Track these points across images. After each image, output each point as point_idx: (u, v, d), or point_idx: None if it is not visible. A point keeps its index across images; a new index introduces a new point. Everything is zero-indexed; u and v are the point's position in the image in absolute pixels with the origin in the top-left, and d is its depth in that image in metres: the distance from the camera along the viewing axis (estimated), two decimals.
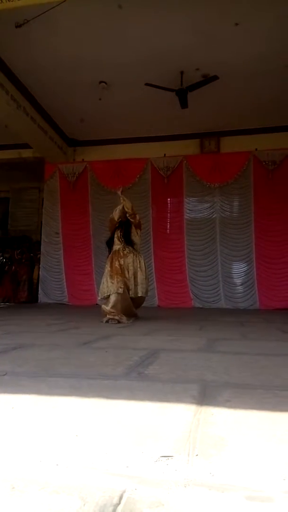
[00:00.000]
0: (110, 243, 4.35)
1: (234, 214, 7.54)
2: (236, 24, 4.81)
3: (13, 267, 8.30)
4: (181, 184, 7.58)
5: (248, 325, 3.80)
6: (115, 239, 4.29)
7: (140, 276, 4.08)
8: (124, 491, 0.53)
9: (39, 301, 7.78)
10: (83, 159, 8.07)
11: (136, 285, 4.06)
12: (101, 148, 7.97)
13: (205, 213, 7.62)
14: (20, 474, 0.59)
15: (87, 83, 6.13)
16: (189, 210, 7.64)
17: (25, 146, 7.56)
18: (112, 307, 3.84)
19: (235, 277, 7.38)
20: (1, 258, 8.62)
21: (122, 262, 4.07)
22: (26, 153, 7.96)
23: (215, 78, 5.57)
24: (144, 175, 7.65)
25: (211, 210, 7.57)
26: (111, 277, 3.99)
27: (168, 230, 7.76)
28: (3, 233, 10.07)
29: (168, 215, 7.80)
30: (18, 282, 8.01)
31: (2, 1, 3.83)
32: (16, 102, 6.00)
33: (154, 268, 7.51)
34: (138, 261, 4.15)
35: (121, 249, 4.19)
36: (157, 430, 0.83)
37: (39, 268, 8.04)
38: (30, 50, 5.40)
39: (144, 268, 4.17)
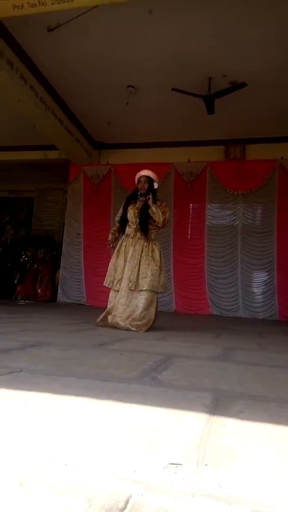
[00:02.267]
0: (123, 223, 3.68)
1: (257, 223, 7.45)
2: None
3: (35, 266, 8.44)
4: (204, 190, 7.55)
5: (266, 336, 3.74)
6: (131, 220, 3.61)
7: (152, 267, 3.45)
8: (130, 496, 0.53)
9: (58, 300, 7.87)
10: (107, 162, 8.14)
11: (139, 277, 3.41)
12: (125, 151, 8.02)
13: (227, 220, 7.56)
14: (29, 471, 0.59)
15: (115, 87, 6.19)
16: (211, 216, 7.59)
17: (52, 147, 7.70)
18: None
19: (255, 286, 7.28)
20: (23, 256, 8.78)
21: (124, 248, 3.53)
22: (52, 155, 8.10)
23: (243, 85, 5.54)
24: (167, 180, 7.66)
25: (233, 217, 7.51)
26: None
27: (189, 236, 7.74)
28: (27, 232, 10.26)
29: (190, 220, 7.77)
30: (39, 281, 8.13)
31: (35, 5, 3.92)
32: (45, 104, 6.12)
33: (172, 273, 7.49)
34: (151, 249, 3.53)
35: (132, 233, 3.59)
36: (167, 437, 0.82)
37: None
38: (61, 53, 5.51)
39: (158, 258, 3.56)
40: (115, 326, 3.30)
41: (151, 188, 3.64)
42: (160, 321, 4.44)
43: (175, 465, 0.67)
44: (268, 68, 5.48)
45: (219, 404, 1.13)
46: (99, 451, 0.71)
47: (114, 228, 3.76)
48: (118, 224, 3.70)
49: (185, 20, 4.75)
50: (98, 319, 3.42)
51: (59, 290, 7.99)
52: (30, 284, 8.14)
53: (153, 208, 3.54)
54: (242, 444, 0.81)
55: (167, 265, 7.52)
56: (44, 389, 1.16)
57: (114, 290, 3.48)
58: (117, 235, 3.69)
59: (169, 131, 7.41)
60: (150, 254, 3.51)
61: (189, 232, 7.75)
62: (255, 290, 7.26)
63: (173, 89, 5.76)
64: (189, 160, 7.63)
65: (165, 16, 4.70)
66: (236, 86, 5.61)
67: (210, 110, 5.96)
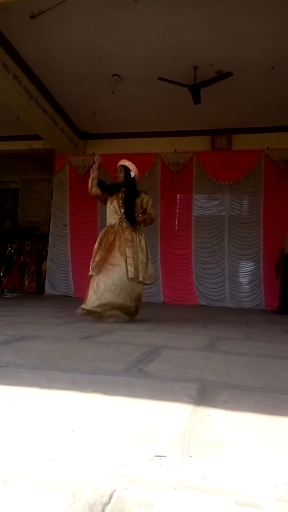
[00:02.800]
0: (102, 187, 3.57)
1: (244, 213, 7.50)
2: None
3: (22, 258, 8.37)
4: (191, 181, 7.55)
5: (253, 325, 3.79)
6: (110, 211, 3.54)
7: (140, 258, 3.41)
8: (114, 490, 0.54)
9: (45, 292, 7.83)
10: (93, 152, 8.04)
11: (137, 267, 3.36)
12: (112, 141, 7.95)
13: (214, 211, 7.59)
14: (14, 468, 0.59)
15: (100, 76, 6.11)
16: (197, 207, 7.61)
17: (36, 137, 7.58)
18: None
19: (241, 276, 7.35)
20: (9, 249, 8.69)
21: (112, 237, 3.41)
22: (37, 145, 7.98)
23: (229, 74, 5.52)
24: (154, 170, 7.64)
25: (220, 208, 7.54)
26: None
27: (176, 227, 7.75)
28: (12, 224, 10.14)
29: (177, 211, 7.78)
30: (26, 273, 8.08)
31: None
32: (28, 93, 6.01)
33: (160, 264, 7.52)
34: (138, 239, 3.46)
35: (117, 223, 3.48)
36: (153, 429, 0.83)
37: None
38: (44, 41, 5.39)
39: (145, 248, 3.51)
40: (100, 315, 3.21)
41: (127, 177, 3.55)
42: (148, 312, 4.46)
43: (160, 457, 0.68)
44: (255, 57, 5.46)
45: (205, 394, 1.14)
46: (85, 445, 0.72)
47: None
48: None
49: (171, 8, 4.69)
50: (82, 308, 3.26)
51: (46, 282, 7.94)
52: (17, 276, 8.08)
53: (142, 223, 3.56)
54: (227, 434, 0.82)
55: (154, 257, 7.53)
56: (30, 383, 1.15)
57: (98, 275, 3.30)
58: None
59: (155, 121, 7.37)
60: (138, 244, 3.43)
61: (176, 223, 7.76)
62: (241, 280, 7.34)
63: (159, 78, 5.71)
64: (175, 150, 7.61)
65: (150, 4, 4.63)
66: (222, 75, 5.59)
67: (196, 99, 5.93)
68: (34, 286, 7.97)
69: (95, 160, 3.61)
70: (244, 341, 2.53)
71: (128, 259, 3.31)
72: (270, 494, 0.57)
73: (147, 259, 3.50)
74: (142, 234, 3.57)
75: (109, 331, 2.55)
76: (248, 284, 7.30)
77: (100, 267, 3.31)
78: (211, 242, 7.45)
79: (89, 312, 3.22)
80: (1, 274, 8.35)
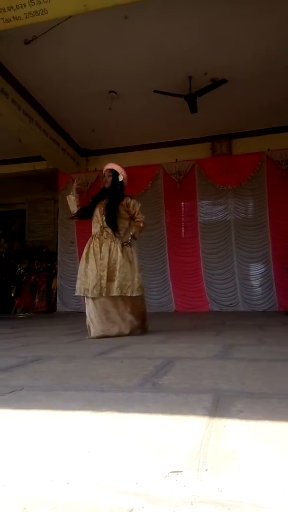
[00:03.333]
0: (85, 214, 3.51)
1: (249, 216, 7.49)
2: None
3: (32, 278, 8.44)
4: (194, 188, 7.58)
5: (266, 328, 3.77)
6: (93, 220, 3.40)
7: (124, 269, 3.18)
8: (131, 510, 0.54)
9: (57, 310, 7.87)
10: (95, 168, 8.15)
11: (113, 280, 3.14)
12: (113, 156, 8.02)
13: (220, 216, 7.59)
14: (32, 494, 0.60)
15: (97, 94, 6.22)
16: (203, 213, 7.63)
17: (39, 158, 7.71)
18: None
19: (252, 279, 7.31)
20: (19, 269, 8.77)
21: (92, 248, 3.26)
22: (40, 165, 8.12)
23: (223, 81, 5.57)
24: (156, 181, 7.69)
25: (225, 213, 7.54)
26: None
27: (183, 235, 7.76)
28: (21, 245, 10.26)
29: (183, 219, 7.81)
30: (36, 292, 8.14)
31: (10, 20, 3.93)
32: (28, 117, 6.13)
33: (169, 273, 7.52)
34: (120, 248, 3.22)
35: (98, 232, 3.32)
36: (168, 444, 0.84)
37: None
38: (40, 65, 5.52)
39: (131, 257, 3.27)
40: (107, 335, 3.10)
41: (115, 181, 3.41)
42: (160, 322, 4.45)
43: (176, 473, 0.68)
44: (248, 62, 5.51)
45: (219, 405, 1.14)
46: (101, 466, 0.72)
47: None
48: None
49: (161, 22, 4.78)
50: (90, 334, 3.18)
51: (58, 300, 7.99)
52: (28, 296, 8.14)
53: (132, 237, 3.36)
54: (242, 445, 0.82)
55: (163, 266, 7.55)
56: (45, 406, 1.17)
57: (90, 298, 3.16)
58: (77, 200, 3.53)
59: (154, 133, 7.44)
60: (119, 255, 3.19)
61: (183, 231, 7.78)
62: (253, 283, 7.30)
63: (155, 91, 5.79)
64: (176, 159, 7.67)
65: (140, 20, 4.72)
66: (217, 83, 5.65)
67: (193, 109, 5.99)
68: (44, 305, 8.02)
69: (72, 189, 3.62)
70: (258, 346, 2.52)
71: (116, 275, 3.14)
72: (286, 504, 0.57)
73: (133, 269, 3.22)
74: (133, 247, 3.37)
75: (122, 346, 2.56)
76: (259, 286, 7.26)
77: (87, 286, 3.17)
78: (219, 248, 7.44)
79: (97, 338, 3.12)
80: (13, 295, 8.42)
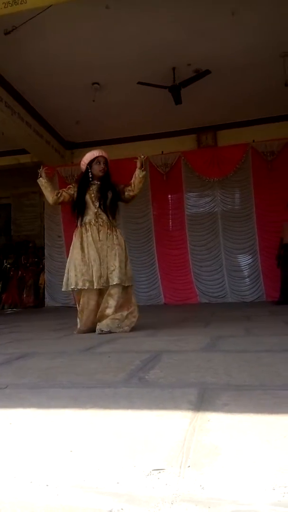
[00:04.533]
0: (81, 209, 3.23)
1: (236, 207, 7.51)
2: (233, 13, 4.72)
3: (19, 273, 8.36)
4: (180, 180, 7.57)
5: (254, 319, 3.80)
6: (89, 205, 3.20)
7: (119, 257, 3.07)
8: None
9: (46, 305, 7.82)
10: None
11: (108, 270, 3.03)
12: (98, 149, 7.96)
13: (206, 208, 7.60)
14: (9, 497, 0.59)
15: (80, 85, 6.14)
16: (190, 205, 7.63)
17: (23, 151, 7.60)
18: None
19: (240, 270, 7.37)
20: (5, 264, 8.67)
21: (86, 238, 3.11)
22: (24, 159, 8.00)
23: (207, 72, 5.55)
24: None
25: (212, 204, 7.55)
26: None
27: (170, 227, 7.76)
28: (7, 240, 10.13)
29: (170, 211, 7.79)
30: (24, 288, 8.07)
31: None
32: (10, 109, 6.03)
33: (158, 266, 7.53)
34: (115, 236, 3.14)
35: (93, 220, 3.16)
36: (152, 441, 0.83)
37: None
38: (21, 56, 5.41)
39: (124, 246, 3.17)
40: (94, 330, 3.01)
41: (108, 170, 3.31)
42: (149, 315, 4.45)
43: (158, 471, 0.67)
44: (231, 53, 5.50)
45: (205, 398, 1.14)
46: (83, 465, 0.71)
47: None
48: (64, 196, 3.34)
49: (144, 12, 4.72)
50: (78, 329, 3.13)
51: (46, 295, 7.93)
52: (16, 292, 8.06)
53: (140, 174, 3.28)
54: (226, 439, 0.82)
55: (151, 259, 7.54)
56: (29, 404, 1.15)
57: (87, 290, 3.05)
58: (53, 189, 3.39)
59: (140, 125, 7.40)
60: (116, 242, 3.10)
61: (170, 223, 7.77)
62: (240, 274, 7.35)
63: (139, 83, 5.74)
64: (162, 152, 7.63)
65: (122, 10, 4.66)
66: (200, 74, 5.62)
67: (177, 100, 5.96)
68: (32, 300, 7.96)
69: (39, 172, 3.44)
70: (245, 337, 2.54)
71: (108, 263, 3.04)
72: (267, 499, 0.56)
73: (126, 258, 3.15)
74: (119, 230, 3.26)
75: (109, 340, 2.55)
76: (247, 277, 7.31)
77: (88, 277, 3.04)
78: (206, 240, 7.46)
79: (85, 331, 3.08)
80: (0, 290, 8.34)
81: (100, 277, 3.02)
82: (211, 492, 0.59)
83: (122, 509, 0.54)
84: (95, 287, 3.02)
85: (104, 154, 3.35)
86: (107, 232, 3.12)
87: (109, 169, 3.33)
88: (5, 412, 1.09)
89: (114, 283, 3.00)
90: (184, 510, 0.54)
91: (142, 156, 3.33)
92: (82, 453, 0.77)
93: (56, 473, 0.68)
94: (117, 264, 3.03)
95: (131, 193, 3.33)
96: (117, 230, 3.21)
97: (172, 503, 0.55)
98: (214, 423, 0.92)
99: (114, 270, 3.02)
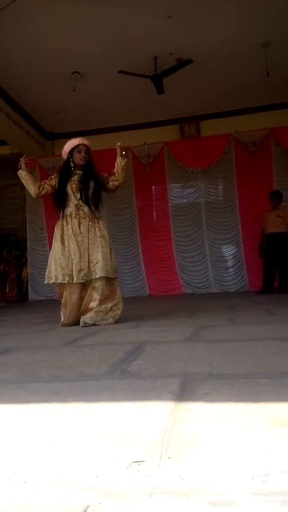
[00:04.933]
0: (62, 201, 3.15)
1: (219, 198, 7.53)
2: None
3: (1, 266, 8.23)
4: (164, 171, 7.53)
5: (237, 308, 3.83)
6: (70, 196, 3.12)
7: (102, 249, 3.00)
8: (88, 507, 0.53)
9: (29, 299, 7.74)
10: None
11: (91, 263, 2.97)
12: (80, 137, 7.85)
13: (190, 199, 7.60)
14: None
15: (60, 75, 6.02)
16: (173, 196, 7.61)
17: (2, 143, 7.43)
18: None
19: (223, 260, 7.42)
20: None
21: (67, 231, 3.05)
22: (3, 150, 7.83)
23: (189, 62, 5.51)
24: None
25: (196, 195, 7.55)
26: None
27: (154, 219, 7.74)
28: None
29: (154, 203, 7.77)
30: (7, 282, 7.96)
31: None
32: None
33: (142, 258, 7.52)
34: (97, 227, 3.07)
35: (74, 212, 3.09)
36: (133, 433, 0.82)
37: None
38: None
39: (107, 237, 3.10)
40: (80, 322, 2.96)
41: (90, 159, 3.21)
42: (134, 307, 4.45)
43: (138, 463, 0.67)
44: (214, 43, 5.46)
45: (186, 388, 1.14)
46: (62, 460, 0.70)
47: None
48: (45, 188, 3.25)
49: (125, 0, 4.63)
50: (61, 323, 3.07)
51: (29, 288, 7.85)
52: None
53: (122, 162, 3.18)
54: (207, 429, 0.82)
55: (136, 251, 7.52)
56: (9, 399, 1.13)
57: (68, 284, 3.00)
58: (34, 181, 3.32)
59: (121, 115, 7.32)
60: (98, 234, 3.03)
61: (154, 214, 7.75)
62: (224, 265, 7.40)
63: (120, 72, 5.66)
64: (145, 142, 7.57)
65: None
66: (182, 63, 5.58)
67: (160, 89, 5.91)
68: (15, 294, 7.86)
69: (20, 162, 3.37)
70: (228, 326, 2.56)
71: (89, 257, 2.99)
72: (246, 488, 0.57)
73: (110, 250, 3.08)
74: (102, 221, 3.17)
75: (94, 333, 2.53)
76: (230, 267, 7.37)
77: (68, 271, 2.98)
78: (190, 231, 7.47)
79: (69, 324, 3.04)
80: None
81: (80, 270, 2.97)
82: (190, 483, 0.59)
83: (99, 503, 0.53)
84: (74, 281, 2.97)
85: (85, 142, 3.25)
86: (89, 224, 3.05)
87: (91, 158, 3.25)
88: None
89: (98, 276, 2.95)
90: (162, 502, 0.53)
91: (119, 143, 3.23)
92: (61, 448, 0.76)
93: (34, 469, 0.67)
94: (100, 256, 2.97)
95: (116, 183, 3.26)
96: (100, 222, 3.14)
97: (150, 496, 0.55)
98: (195, 413, 0.92)
99: (97, 263, 2.97)
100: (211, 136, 7.40)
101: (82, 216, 3.07)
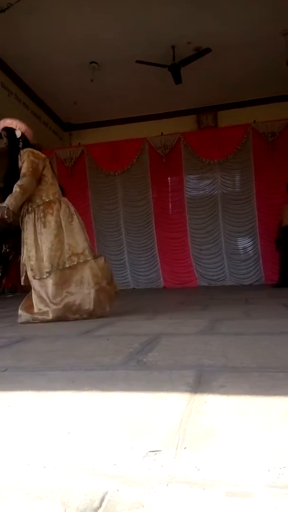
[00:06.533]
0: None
1: (236, 190, 7.46)
2: None
3: (19, 257, 8.34)
4: (180, 162, 7.48)
5: (252, 301, 3.81)
6: (48, 181, 2.98)
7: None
8: (106, 493, 0.54)
9: None
10: (79, 143, 7.97)
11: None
12: (97, 130, 7.86)
13: (207, 190, 7.55)
14: (7, 479, 0.60)
15: (78, 65, 6.01)
16: (189, 188, 7.57)
17: None
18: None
19: (239, 253, 7.37)
20: (4, 248, 8.64)
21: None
22: None
23: (207, 51, 5.42)
24: (142, 156, 7.56)
25: (212, 187, 7.49)
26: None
27: (170, 210, 7.72)
28: (7, 224, 10.06)
29: (169, 194, 7.74)
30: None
31: None
32: (7, 90, 5.92)
33: (157, 249, 7.52)
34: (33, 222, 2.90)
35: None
36: (149, 423, 0.83)
37: None
38: (18, 35, 5.28)
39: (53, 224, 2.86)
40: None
41: (12, 141, 2.94)
42: (148, 298, 4.48)
43: (154, 453, 0.68)
44: (232, 31, 5.36)
45: (202, 380, 1.15)
46: (80, 447, 0.72)
47: None
48: None
49: None
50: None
51: None
52: (15, 276, 8.06)
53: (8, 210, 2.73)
54: (222, 421, 0.83)
55: (151, 242, 7.52)
56: (28, 387, 1.16)
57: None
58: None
59: (139, 105, 7.27)
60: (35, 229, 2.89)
61: (170, 206, 7.73)
62: (240, 257, 7.35)
63: (138, 62, 5.61)
64: (162, 133, 7.51)
65: None
66: (201, 52, 5.49)
67: (177, 79, 5.84)
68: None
69: None
70: (243, 319, 2.55)
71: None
72: (262, 481, 0.57)
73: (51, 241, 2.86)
74: (39, 208, 2.88)
75: (108, 323, 2.56)
76: (246, 260, 7.32)
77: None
78: (206, 223, 7.43)
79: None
80: (0, 274, 8.34)
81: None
82: (206, 474, 0.60)
83: (118, 490, 0.54)
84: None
85: (2, 124, 3.00)
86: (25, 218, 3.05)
87: (17, 137, 2.98)
88: (4, 394, 1.09)
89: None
90: (179, 491, 0.54)
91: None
92: (79, 435, 0.78)
93: (54, 455, 0.69)
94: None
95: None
96: (37, 211, 2.94)
97: (167, 485, 0.56)
98: (211, 405, 0.92)
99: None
100: (229, 127, 7.30)
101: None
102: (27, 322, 2.80)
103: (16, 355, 1.66)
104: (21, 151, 2.88)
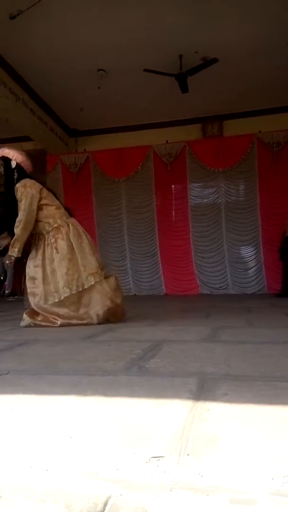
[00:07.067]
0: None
1: (240, 199, 7.47)
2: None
3: (23, 260, 8.35)
4: (184, 170, 7.51)
5: (255, 311, 3.80)
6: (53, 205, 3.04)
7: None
8: (109, 497, 0.54)
9: None
10: (85, 149, 8.02)
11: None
12: (102, 137, 7.91)
13: (210, 199, 7.57)
14: (10, 482, 0.60)
15: (86, 72, 6.06)
16: (193, 196, 7.59)
17: (26, 138, 7.53)
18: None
19: (242, 262, 7.36)
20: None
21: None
22: (27, 146, 7.90)
23: (214, 61, 5.46)
24: (146, 163, 7.60)
25: (216, 195, 7.51)
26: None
27: (173, 218, 7.74)
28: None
29: (173, 202, 7.77)
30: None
31: None
32: (14, 95, 5.97)
33: (160, 256, 7.52)
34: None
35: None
36: (151, 429, 0.83)
37: None
38: (26, 41, 5.33)
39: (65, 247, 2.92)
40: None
41: (8, 171, 2.97)
42: (150, 306, 4.47)
43: (157, 458, 0.68)
44: (239, 41, 5.40)
45: (204, 388, 1.14)
46: (82, 452, 0.72)
47: None
48: None
49: None
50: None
51: None
52: (17, 279, 8.07)
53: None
54: (225, 428, 0.83)
55: (153, 249, 7.53)
56: (30, 390, 1.16)
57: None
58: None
59: (145, 113, 7.31)
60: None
61: (173, 214, 7.75)
62: (242, 266, 7.34)
63: (145, 70, 5.66)
64: (167, 141, 7.56)
65: None
66: (208, 62, 5.53)
67: (184, 88, 5.88)
68: None
69: None
70: (246, 328, 2.54)
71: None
72: (265, 489, 0.57)
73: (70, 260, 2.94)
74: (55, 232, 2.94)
75: (110, 329, 2.56)
76: (249, 269, 7.31)
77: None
78: (209, 231, 7.44)
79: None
80: (1, 278, 8.34)
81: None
82: (210, 480, 0.60)
83: (121, 494, 0.54)
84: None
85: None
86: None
87: (12, 168, 2.99)
88: (6, 397, 1.09)
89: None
90: (182, 497, 0.54)
91: None
92: (82, 439, 0.78)
93: (56, 458, 0.69)
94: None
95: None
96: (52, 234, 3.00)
97: (171, 490, 0.56)
98: (214, 413, 0.92)
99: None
100: (234, 136, 7.34)
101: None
102: (29, 326, 2.81)
103: (18, 359, 1.66)
104: (16, 185, 2.92)
